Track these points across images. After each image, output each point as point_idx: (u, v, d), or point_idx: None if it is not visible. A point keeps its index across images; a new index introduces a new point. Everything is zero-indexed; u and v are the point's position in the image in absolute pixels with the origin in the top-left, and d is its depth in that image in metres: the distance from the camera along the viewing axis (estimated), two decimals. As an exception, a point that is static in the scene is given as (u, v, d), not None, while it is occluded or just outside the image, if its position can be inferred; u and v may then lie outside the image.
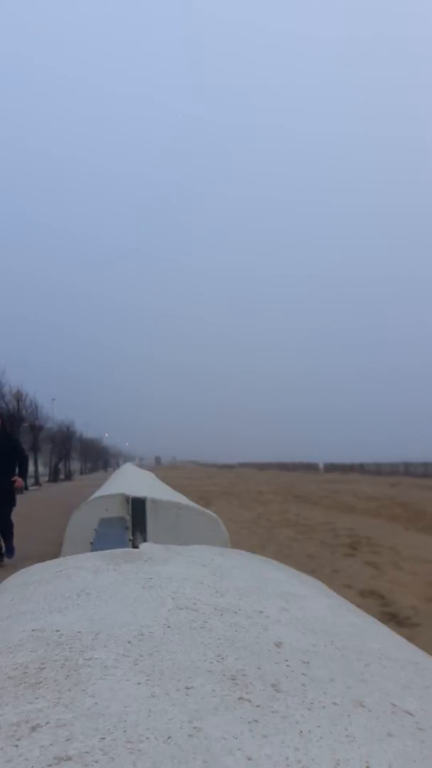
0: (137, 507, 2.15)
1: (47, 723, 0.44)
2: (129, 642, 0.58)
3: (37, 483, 36.58)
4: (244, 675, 0.52)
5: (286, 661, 0.56)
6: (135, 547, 1.29)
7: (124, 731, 0.42)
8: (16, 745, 0.41)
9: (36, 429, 37.00)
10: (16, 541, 7.65)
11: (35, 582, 0.87)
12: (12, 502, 7.54)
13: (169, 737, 0.42)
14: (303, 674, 0.53)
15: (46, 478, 42.83)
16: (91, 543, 1.76)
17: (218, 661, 0.55)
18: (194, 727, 0.43)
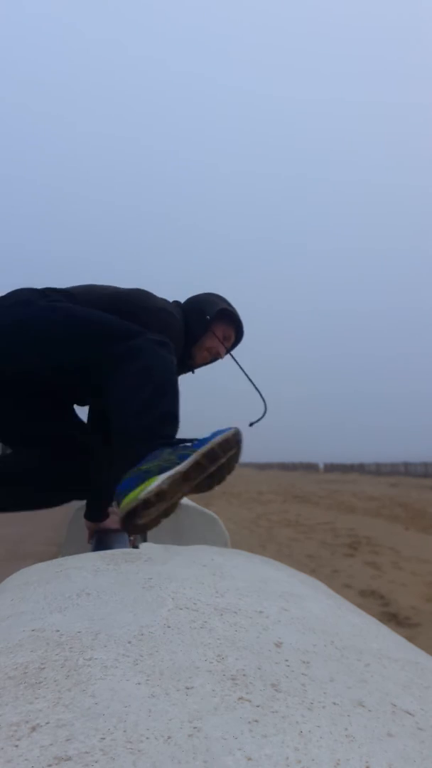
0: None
1: (47, 723, 0.44)
2: (129, 642, 0.58)
3: (37, 483, 36.52)
4: (244, 675, 0.52)
5: (286, 661, 0.56)
6: (135, 547, 1.29)
7: (124, 731, 0.42)
8: (16, 745, 0.41)
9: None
10: (17, 541, 7.68)
11: (35, 582, 0.87)
12: None
13: (169, 737, 0.42)
14: (303, 674, 0.53)
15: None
16: (91, 543, 1.76)
17: (218, 661, 0.55)
18: (194, 727, 0.43)
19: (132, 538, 1.66)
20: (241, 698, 0.48)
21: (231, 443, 1.22)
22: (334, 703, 0.48)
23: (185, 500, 2.51)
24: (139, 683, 0.50)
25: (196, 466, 1.19)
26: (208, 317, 1.92)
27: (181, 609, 0.69)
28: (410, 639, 0.80)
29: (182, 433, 1.34)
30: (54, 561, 1.03)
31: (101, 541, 1.67)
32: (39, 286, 1.67)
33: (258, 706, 0.47)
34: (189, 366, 2.03)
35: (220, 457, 1.21)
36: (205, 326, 1.93)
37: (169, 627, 0.63)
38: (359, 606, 0.91)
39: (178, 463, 1.19)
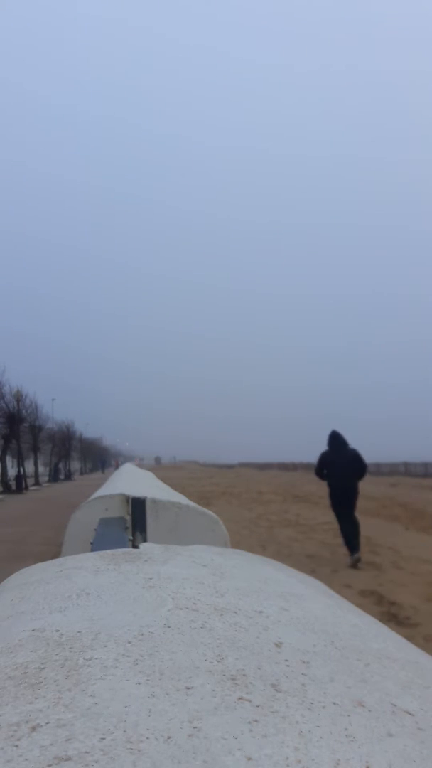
0: (137, 507, 2.15)
1: (47, 723, 0.44)
2: (129, 642, 0.58)
3: (37, 483, 36.56)
4: (244, 675, 0.52)
5: (286, 661, 0.56)
6: (135, 547, 1.29)
7: (124, 731, 0.42)
8: (16, 745, 0.41)
9: (36, 429, 37.01)
10: (17, 541, 7.66)
11: (35, 582, 0.87)
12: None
13: (169, 737, 0.42)
14: (303, 674, 0.53)
15: (46, 478, 42.84)
16: (91, 543, 1.76)
17: (218, 661, 0.55)
18: (194, 727, 0.43)
19: (132, 537, 1.66)
20: (241, 698, 0.48)
21: None
22: (334, 703, 0.48)
23: (185, 500, 2.50)
24: (139, 683, 0.50)
25: None
26: None
27: (181, 609, 0.69)
28: (410, 639, 0.80)
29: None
30: (54, 561, 1.04)
31: (101, 538, 1.67)
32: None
33: (258, 706, 0.47)
34: None
35: None
36: None
37: (169, 627, 0.63)
38: (359, 606, 0.91)
39: None
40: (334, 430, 8.71)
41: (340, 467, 8.48)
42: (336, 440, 8.64)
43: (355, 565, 7.87)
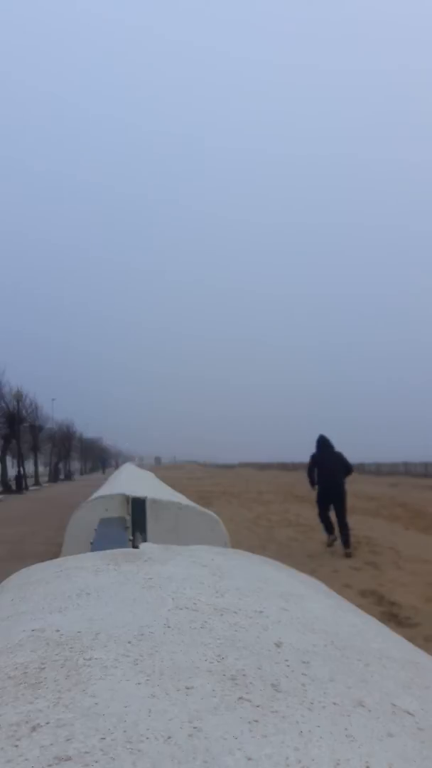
0: (137, 507, 2.15)
1: (47, 723, 0.44)
2: (129, 642, 0.58)
3: (37, 483, 36.58)
4: (244, 675, 0.52)
5: (286, 661, 0.56)
6: (135, 547, 1.29)
7: (124, 731, 0.42)
8: (16, 745, 0.41)
9: (36, 429, 37.02)
10: (17, 541, 7.66)
11: (35, 582, 0.87)
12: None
13: (169, 737, 0.42)
14: (303, 674, 0.53)
15: (46, 478, 42.83)
16: (91, 543, 1.76)
17: (218, 661, 0.55)
18: (194, 727, 0.43)
19: (132, 537, 1.66)
20: (241, 698, 0.48)
21: None
22: (334, 703, 0.48)
23: (185, 500, 2.50)
24: (139, 683, 0.50)
25: None
26: None
27: (181, 609, 0.69)
28: (410, 639, 0.80)
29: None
30: (54, 561, 1.04)
31: (101, 538, 1.67)
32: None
33: (258, 706, 0.47)
34: None
35: None
36: None
37: (169, 627, 0.63)
38: (359, 606, 0.91)
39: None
40: (321, 435, 10.35)
41: (328, 467, 10.04)
42: (323, 443, 10.23)
43: (331, 544, 9.40)
